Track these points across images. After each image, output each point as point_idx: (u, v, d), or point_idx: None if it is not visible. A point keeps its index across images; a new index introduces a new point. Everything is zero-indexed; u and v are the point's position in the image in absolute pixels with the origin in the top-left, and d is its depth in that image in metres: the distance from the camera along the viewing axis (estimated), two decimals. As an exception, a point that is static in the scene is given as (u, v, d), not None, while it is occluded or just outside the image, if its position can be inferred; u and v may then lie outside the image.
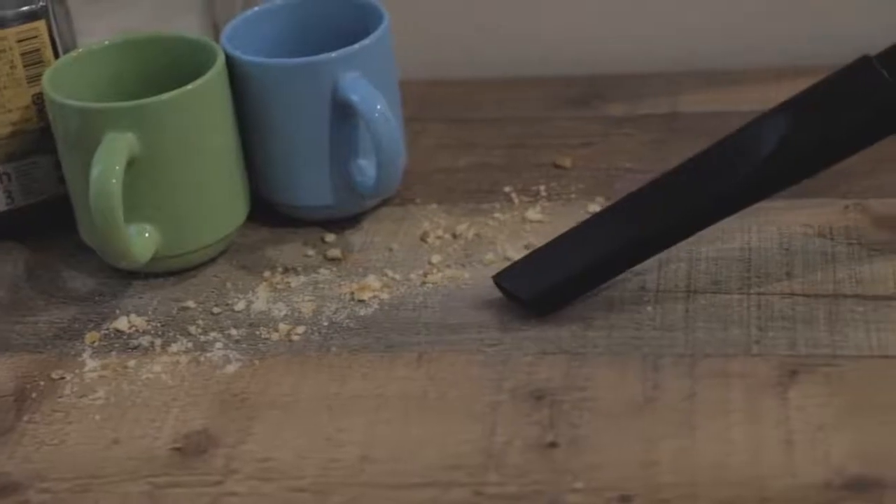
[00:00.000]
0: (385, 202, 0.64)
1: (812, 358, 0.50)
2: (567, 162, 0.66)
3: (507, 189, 0.64)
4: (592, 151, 0.67)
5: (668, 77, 0.72)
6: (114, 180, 0.54)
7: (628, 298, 0.55)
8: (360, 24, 0.61)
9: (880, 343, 0.51)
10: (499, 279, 0.56)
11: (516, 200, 0.63)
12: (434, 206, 0.63)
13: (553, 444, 0.48)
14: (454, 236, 0.61)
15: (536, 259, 0.57)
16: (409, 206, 0.64)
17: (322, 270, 0.59)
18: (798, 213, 0.59)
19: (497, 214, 0.62)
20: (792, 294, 0.54)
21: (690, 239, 0.57)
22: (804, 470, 0.45)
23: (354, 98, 0.58)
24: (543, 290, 0.55)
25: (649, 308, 0.54)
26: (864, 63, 0.54)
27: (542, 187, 0.64)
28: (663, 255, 0.57)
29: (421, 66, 0.74)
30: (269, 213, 0.63)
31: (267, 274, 0.59)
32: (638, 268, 0.57)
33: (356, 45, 0.59)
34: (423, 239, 0.61)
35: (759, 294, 0.54)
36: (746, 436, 0.47)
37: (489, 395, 0.51)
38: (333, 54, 0.58)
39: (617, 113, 0.70)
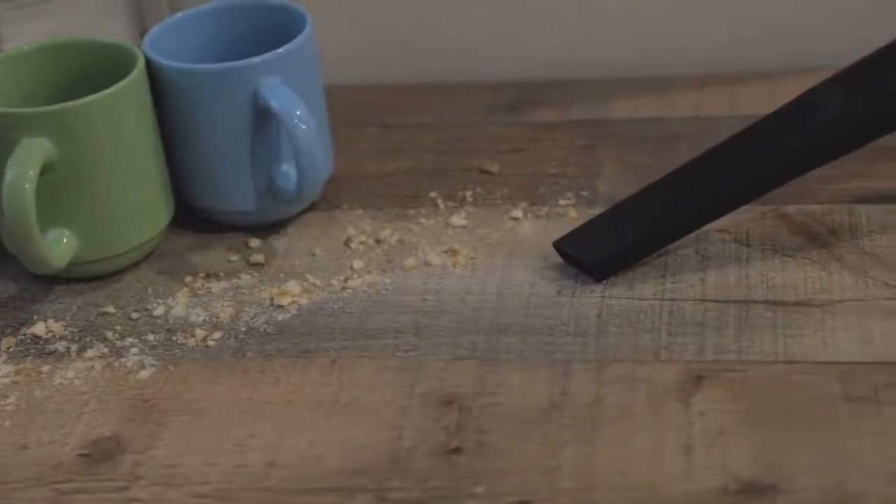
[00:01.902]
0: (311, 207, 0.64)
1: (718, 363, 0.51)
2: (494, 167, 0.66)
3: (433, 194, 0.64)
4: (521, 157, 0.67)
5: (600, 83, 0.72)
6: (27, 186, 0.54)
7: (544, 304, 0.56)
8: (284, 30, 0.62)
9: (786, 349, 0.51)
10: (560, 244, 0.58)
11: (442, 206, 0.63)
12: (360, 211, 0.64)
13: (458, 450, 0.48)
14: (378, 241, 0.61)
15: (597, 225, 0.58)
16: (335, 212, 0.64)
17: (244, 275, 0.60)
18: (717, 220, 0.59)
19: (422, 220, 0.63)
20: (704, 300, 0.54)
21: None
22: (702, 475, 0.46)
23: (274, 104, 0.58)
24: (605, 255, 0.56)
25: (564, 313, 0.55)
26: None
27: (469, 193, 0.64)
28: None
29: (354, 72, 0.75)
30: (195, 218, 0.63)
31: (189, 279, 0.60)
32: (554, 273, 0.57)
33: (276, 51, 0.59)
34: (346, 244, 0.61)
35: (672, 300, 0.55)
36: (648, 441, 0.48)
37: (400, 400, 0.51)
38: (253, 60, 0.58)
39: (548, 119, 0.70)
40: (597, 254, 0.56)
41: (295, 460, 0.49)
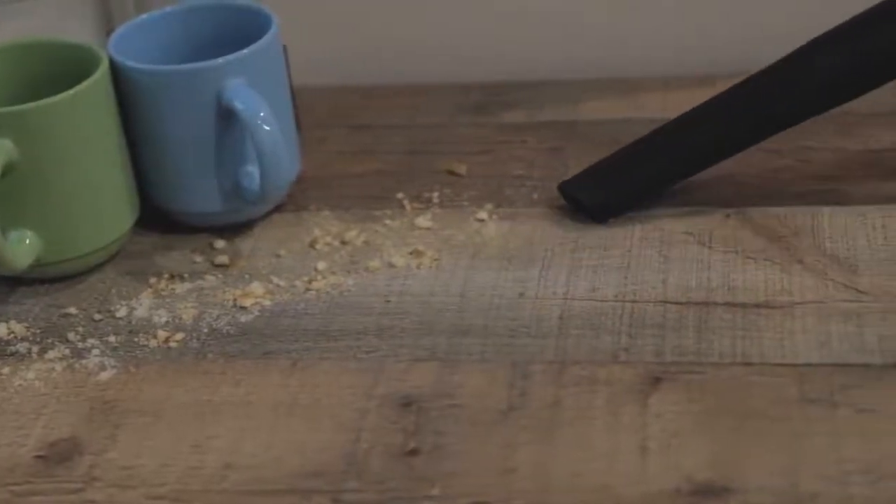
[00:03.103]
0: (278, 208, 0.64)
1: (676, 365, 0.51)
2: (462, 169, 0.66)
3: (400, 196, 0.64)
4: (489, 158, 0.67)
5: (570, 84, 0.72)
6: (-13, 187, 0.54)
7: (507, 305, 0.56)
8: (250, 31, 0.61)
9: (744, 351, 0.51)
10: (564, 186, 0.60)
11: (408, 207, 0.63)
12: (327, 212, 0.64)
13: (415, 451, 0.48)
14: (343, 243, 0.61)
15: (601, 168, 0.61)
16: (302, 213, 0.64)
17: (208, 277, 0.60)
18: (681, 222, 0.59)
19: (387, 221, 0.63)
20: (665, 302, 0.54)
21: (572, 245, 0.59)
22: (656, 477, 0.46)
23: (237, 105, 0.58)
24: (606, 196, 0.59)
25: (526, 315, 0.55)
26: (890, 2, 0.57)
27: (436, 194, 0.64)
28: (545, 261, 0.58)
29: (325, 74, 0.75)
30: (160, 219, 0.63)
31: (153, 280, 0.59)
32: (518, 274, 0.58)
33: (240, 52, 0.59)
34: (312, 245, 0.61)
35: (633, 302, 0.55)
36: (604, 443, 0.48)
37: (359, 402, 0.51)
38: (217, 61, 0.58)
39: (517, 120, 0.70)
40: (599, 195, 0.59)
41: (252, 462, 0.49)
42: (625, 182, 0.60)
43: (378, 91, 0.74)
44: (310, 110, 0.71)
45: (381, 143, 0.69)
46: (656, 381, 0.50)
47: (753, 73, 0.59)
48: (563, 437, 0.48)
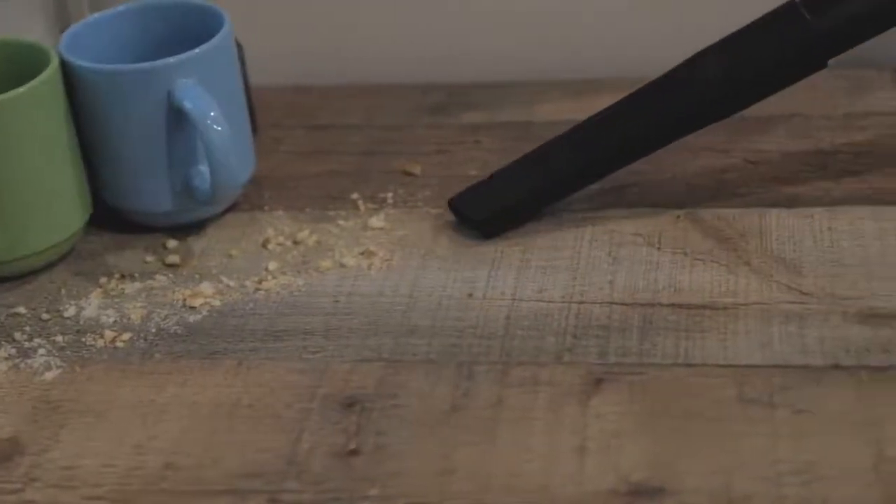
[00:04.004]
0: (233, 208, 0.64)
1: (619, 366, 0.51)
2: (417, 169, 0.66)
3: (354, 196, 0.64)
4: (444, 159, 0.67)
5: (528, 86, 0.72)
6: (-66, 185, 0.54)
7: (455, 306, 0.56)
8: (203, 31, 0.61)
9: (687, 352, 0.51)
10: (454, 202, 0.60)
11: (362, 207, 0.63)
12: (281, 212, 0.64)
13: (355, 452, 0.48)
14: (295, 243, 0.61)
15: (490, 183, 0.60)
16: (256, 213, 0.64)
17: (158, 277, 0.59)
18: (632, 223, 0.59)
19: (341, 221, 0.62)
20: (611, 303, 0.54)
21: (522, 246, 0.59)
22: (593, 478, 0.46)
23: (187, 105, 0.58)
24: (494, 212, 0.59)
25: (473, 315, 0.55)
26: (789, 6, 0.57)
27: (390, 195, 0.64)
28: (495, 261, 0.58)
29: (284, 74, 0.75)
30: (114, 218, 0.63)
31: (103, 280, 0.59)
32: (467, 275, 0.58)
33: (190, 52, 0.59)
34: (264, 245, 0.61)
35: (580, 303, 0.55)
36: (544, 444, 0.48)
37: (302, 402, 0.51)
38: (167, 60, 0.58)
39: (474, 121, 0.70)
40: (486, 212, 0.59)
41: (192, 462, 0.48)
42: (511, 197, 0.59)
43: (336, 91, 0.74)
44: (267, 110, 0.71)
45: (337, 144, 0.69)
46: (598, 381, 0.50)
47: (640, 86, 0.59)
48: (504, 438, 0.48)
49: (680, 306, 0.53)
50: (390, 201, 0.63)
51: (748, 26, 0.57)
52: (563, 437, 0.48)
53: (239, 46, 0.67)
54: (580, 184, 0.60)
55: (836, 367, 0.49)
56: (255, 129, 0.70)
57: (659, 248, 0.57)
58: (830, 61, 0.57)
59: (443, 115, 0.71)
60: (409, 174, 0.66)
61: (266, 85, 0.71)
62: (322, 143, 0.69)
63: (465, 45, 0.74)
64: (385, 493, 0.46)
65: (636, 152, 0.59)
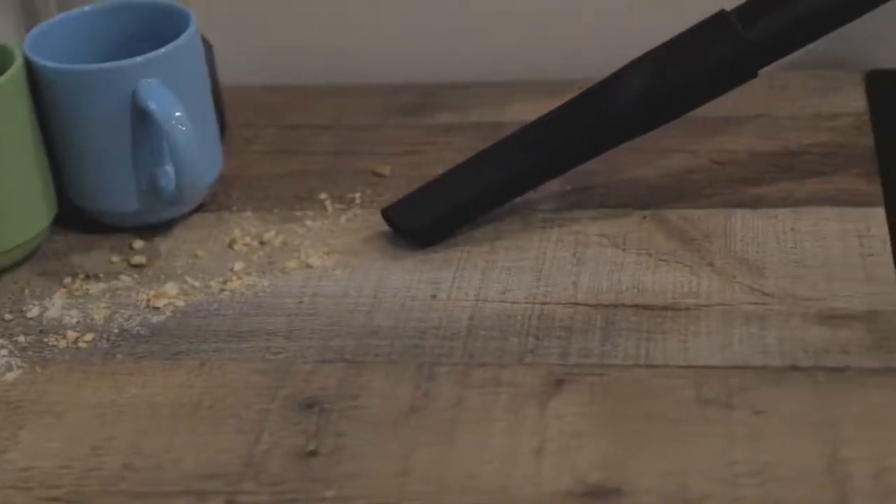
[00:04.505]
0: (200, 208, 0.64)
1: (580, 367, 0.51)
2: (386, 170, 0.66)
3: (322, 196, 0.64)
4: (414, 159, 0.67)
5: (499, 86, 0.72)
6: None
7: (419, 307, 0.56)
8: (170, 30, 0.61)
9: (648, 353, 0.51)
10: (387, 212, 0.60)
11: (330, 208, 0.63)
12: (249, 213, 0.63)
13: (313, 453, 0.48)
14: (261, 243, 0.61)
15: (424, 193, 0.60)
16: (223, 213, 0.64)
17: (123, 277, 0.59)
18: (598, 224, 0.59)
19: (308, 222, 0.62)
20: (575, 304, 0.54)
21: (488, 247, 0.59)
22: (550, 479, 0.46)
23: (152, 105, 0.58)
24: (427, 222, 0.58)
25: (437, 316, 0.55)
26: (719, 17, 0.57)
27: (358, 195, 0.64)
28: (461, 262, 0.58)
29: (255, 74, 0.74)
30: (81, 219, 0.63)
31: (67, 280, 0.59)
32: (432, 275, 0.58)
33: (155, 52, 0.58)
34: (230, 246, 0.61)
35: (543, 304, 0.55)
36: (503, 445, 0.48)
37: (262, 403, 0.51)
38: (132, 60, 0.58)
39: (445, 121, 0.70)
40: (419, 221, 0.59)
41: (150, 463, 0.48)
42: (442, 207, 0.59)
43: (307, 91, 0.73)
44: (238, 110, 0.71)
45: (307, 144, 0.69)
46: (559, 383, 0.50)
47: (573, 97, 0.58)
48: (463, 439, 0.48)
49: (642, 307, 0.53)
50: (358, 202, 0.63)
51: (680, 35, 0.57)
52: (522, 439, 0.48)
53: (208, 46, 0.67)
54: (510, 194, 0.59)
55: (795, 367, 0.49)
56: (223, 129, 0.70)
57: (624, 249, 0.57)
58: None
59: (414, 115, 0.71)
60: (378, 175, 0.66)
61: (237, 84, 0.71)
62: (292, 143, 0.69)
63: (436, 46, 0.74)
64: (342, 494, 0.46)
65: (565, 164, 0.58)
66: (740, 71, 0.56)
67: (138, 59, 0.58)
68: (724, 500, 0.44)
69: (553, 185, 0.62)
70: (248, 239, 0.61)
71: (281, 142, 0.70)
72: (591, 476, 0.45)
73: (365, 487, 0.46)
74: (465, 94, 0.72)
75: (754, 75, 0.57)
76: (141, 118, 0.59)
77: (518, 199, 0.61)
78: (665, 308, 0.53)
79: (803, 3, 0.55)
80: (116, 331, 0.56)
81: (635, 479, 0.45)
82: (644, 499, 0.44)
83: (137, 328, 0.56)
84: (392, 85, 0.73)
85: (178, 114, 0.58)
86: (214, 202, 0.64)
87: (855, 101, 0.67)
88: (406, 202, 0.60)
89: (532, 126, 0.59)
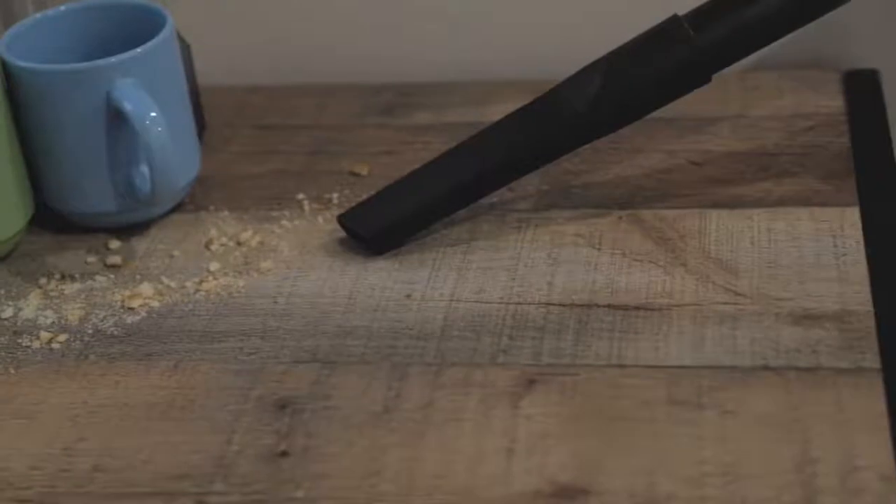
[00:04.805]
0: (177, 209, 0.64)
1: (552, 367, 0.51)
2: (364, 170, 0.66)
3: (300, 196, 0.64)
4: (392, 159, 0.67)
5: (479, 86, 0.72)
6: None
7: (393, 307, 0.56)
8: (147, 31, 0.61)
9: (619, 353, 0.51)
10: (343, 219, 0.60)
11: (307, 208, 0.63)
12: (226, 213, 0.63)
13: (284, 454, 0.48)
14: (238, 244, 0.61)
15: (380, 199, 0.60)
16: (201, 213, 0.64)
17: (99, 277, 0.59)
18: (574, 224, 0.59)
19: (285, 222, 0.62)
20: (549, 304, 0.54)
21: (464, 247, 0.59)
22: (519, 479, 0.46)
23: (126, 105, 0.58)
24: (383, 228, 0.58)
25: (411, 317, 0.55)
26: (672, 21, 0.57)
27: (336, 195, 0.64)
28: (436, 262, 0.58)
29: (234, 74, 0.74)
30: (58, 219, 0.63)
31: (43, 281, 0.59)
32: (407, 275, 0.58)
33: (130, 52, 0.58)
34: (207, 246, 0.61)
35: (517, 304, 0.55)
36: (472, 445, 0.48)
37: (235, 404, 0.51)
38: (107, 60, 0.58)
39: (423, 121, 0.70)
40: (374, 227, 0.58)
41: (121, 464, 0.48)
42: (398, 213, 0.59)
43: (286, 91, 0.73)
44: (216, 110, 0.71)
45: (285, 144, 0.69)
46: (530, 383, 0.50)
47: (526, 103, 0.58)
48: (432, 440, 0.48)
49: (615, 307, 0.53)
50: (336, 202, 0.63)
51: (633, 40, 0.57)
52: (491, 439, 0.47)
53: (186, 46, 0.67)
54: (464, 200, 0.59)
55: (766, 367, 0.49)
56: (202, 129, 0.70)
57: (599, 249, 0.57)
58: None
59: (392, 115, 0.71)
60: (356, 175, 0.66)
61: (216, 84, 0.71)
62: (270, 143, 0.69)
63: (414, 46, 0.74)
64: (311, 494, 0.46)
65: (519, 169, 0.58)
66: (693, 75, 0.56)
67: (113, 59, 0.58)
68: (689, 500, 0.44)
69: (530, 185, 0.62)
70: (224, 239, 0.61)
71: (259, 142, 0.69)
72: (561, 476, 0.45)
73: (333, 488, 0.46)
74: (443, 95, 0.72)
75: (708, 80, 0.56)
76: (116, 119, 0.59)
77: (494, 199, 0.61)
78: (638, 308, 0.53)
79: (755, 8, 0.55)
80: (91, 331, 0.56)
81: (604, 480, 0.45)
82: (611, 499, 0.44)
83: (112, 329, 0.56)
84: (370, 85, 0.73)
85: (153, 114, 0.58)
86: (192, 202, 0.64)
87: (832, 101, 0.67)
88: (361, 209, 0.60)
89: (485, 132, 0.59)
